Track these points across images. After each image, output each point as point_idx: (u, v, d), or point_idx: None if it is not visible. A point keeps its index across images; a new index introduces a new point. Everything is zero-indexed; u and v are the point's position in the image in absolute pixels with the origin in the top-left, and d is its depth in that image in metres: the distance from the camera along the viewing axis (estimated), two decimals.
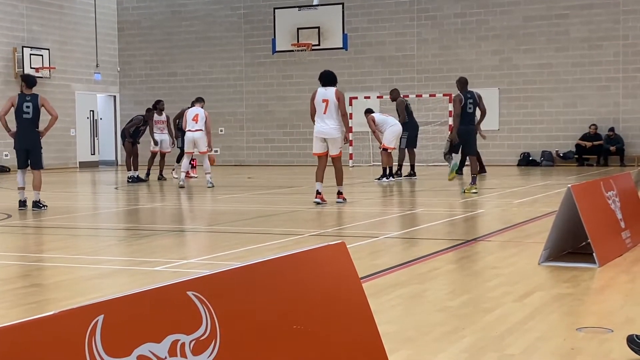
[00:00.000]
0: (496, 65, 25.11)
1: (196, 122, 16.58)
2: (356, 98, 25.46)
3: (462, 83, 14.20)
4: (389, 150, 17.51)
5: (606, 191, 7.12)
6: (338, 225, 9.86)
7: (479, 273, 6.32)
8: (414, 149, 18.67)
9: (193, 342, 2.26)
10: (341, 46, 24.53)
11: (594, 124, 23.87)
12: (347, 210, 12.08)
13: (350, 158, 24.55)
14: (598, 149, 23.84)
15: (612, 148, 23.61)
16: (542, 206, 11.91)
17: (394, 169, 18.21)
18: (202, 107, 16.88)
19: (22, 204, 11.85)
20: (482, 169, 18.85)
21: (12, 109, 11.71)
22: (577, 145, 24.07)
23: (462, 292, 5.54)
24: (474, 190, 13.82)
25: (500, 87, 25.05)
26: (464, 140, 14.05)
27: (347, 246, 3.18)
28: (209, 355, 2.29)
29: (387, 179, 17.54)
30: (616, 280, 5.95)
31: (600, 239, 6.53)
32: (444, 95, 24.33)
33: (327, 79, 12.35)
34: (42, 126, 11.74)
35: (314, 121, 12.36)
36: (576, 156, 24.10)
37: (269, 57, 26.76)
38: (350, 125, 13.93)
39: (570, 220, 6.44)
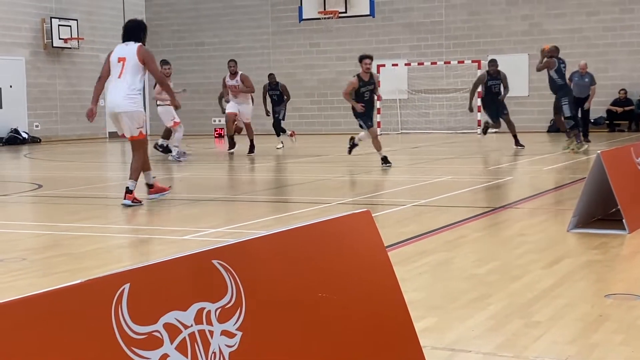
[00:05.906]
0: (526, 30, 24.77)
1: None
2: (384, 66, 25.29)
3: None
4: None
5: (636, 157, 7.04)
6: (366, 193, 9.85)
7: (506, 240, 6.30)
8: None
9: (219, 310, 2.28)
10: (368, 13, 24.34)
11: (623, 89, 23.50)
12: (375, 178, 12.06)
13: (379, 126, 24.45)
14: (629, 114, 23.51)
15: None
16: (572, 173, 11.82)
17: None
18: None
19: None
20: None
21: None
22: (608, 111, 23.76)
23: (489, 259, 5.53)
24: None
25: (529, 52, 24.72)
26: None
27: (375, 214, 3.18)
28: (235, 323, 2.31)
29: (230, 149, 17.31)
30: None
31: (630, 205, 6.47)
32: (473, 61, 24.09)
33: (128, 32, 9.06)
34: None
35: (98, 86, 9.27)
36: (607, 122, 23.79)
37: (295, 25, 26.63)
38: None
39: (600, 187, 6.39)
